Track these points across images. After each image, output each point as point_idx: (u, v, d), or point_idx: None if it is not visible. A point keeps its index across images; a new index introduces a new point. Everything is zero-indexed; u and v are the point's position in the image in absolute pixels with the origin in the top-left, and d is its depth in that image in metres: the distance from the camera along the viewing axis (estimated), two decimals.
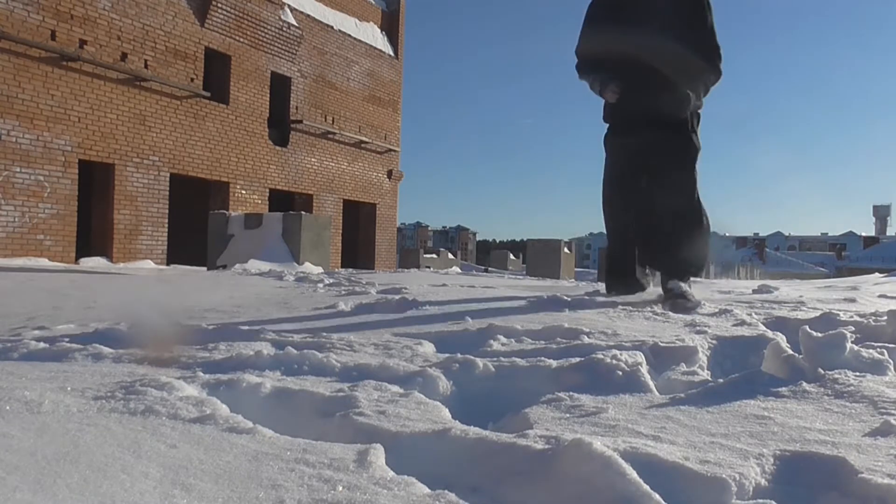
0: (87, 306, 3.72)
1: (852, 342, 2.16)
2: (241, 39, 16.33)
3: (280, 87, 17.83)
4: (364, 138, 20.49)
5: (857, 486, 1.10)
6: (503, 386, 1.82)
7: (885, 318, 2.89)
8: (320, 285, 5.29)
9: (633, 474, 1.05)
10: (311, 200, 18.77)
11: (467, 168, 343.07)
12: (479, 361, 1.90)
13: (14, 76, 11.88)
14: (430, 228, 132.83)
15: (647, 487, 1.03)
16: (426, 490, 1.03)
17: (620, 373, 1.82)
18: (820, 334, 2.18)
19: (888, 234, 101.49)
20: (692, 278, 3.96)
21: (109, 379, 1.63)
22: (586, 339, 2.44)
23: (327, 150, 19.38)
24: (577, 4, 4.36)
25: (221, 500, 0.96)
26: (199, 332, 2.56)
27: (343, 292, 4.62)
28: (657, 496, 1.02)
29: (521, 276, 11.94)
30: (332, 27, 19.26)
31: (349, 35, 19.90)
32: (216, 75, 16.04)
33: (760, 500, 1.08)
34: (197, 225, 13.28)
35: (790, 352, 2.05)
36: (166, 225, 14.63)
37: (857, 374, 1.88)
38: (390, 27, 21.95)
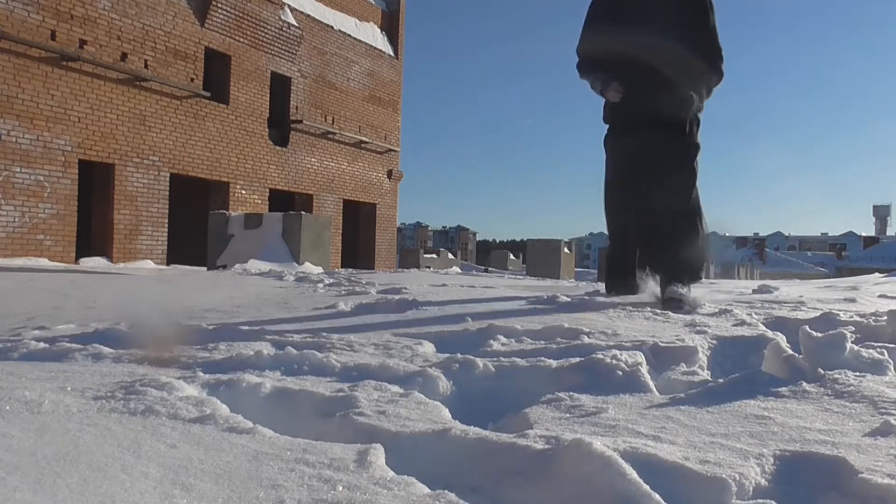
0: (87, 306, 3.72)
1: (852, 342, 2.16)
2: (241, 39, 16.33)
3: (280, 87, 17.83)
4: (364, 138, 20.50)
5: (857, 486, 1.10)
6: (503, 386, 1.82)
7: (885, 318, 2.89)
8: (320, 285, 5.29)
9: (633, 474, 1.06)
10: (311, 200, 18.76)
11: (467, 168, 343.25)
12: (479, 361, 1.90)
13: (14, 76, 11.88)
14: (430, 228, 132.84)
15: (647, 487, 1.03)
16: (426, 490, 1.03)
17: (620, 373, 1.82)
18: (820, 334, 2.18)
19: (888, 234, 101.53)
20: (692, 282, 3.93)
21: (109, 379, 1.63)
22: (586, 339, 2.44)
23: (327, 150, 19.38)
24: (577, 4, 4.36)
25: (221, 500, 0.96)
26: (199, 332, 2.56)
27: (343, 292, 4.62)
28: (657, 496, 1.02)
29: (521, 276, 11.94)
30: (332, 27, 19.26)
31: (349, 35, 19.90)
32: (216, 75, 16.04)
33: (760, 500, 1.08)
34: (197, 225, 13.28)
35: (790, 352, 2.05)
36: (166, 225, 14.63)
37: (857, 374, 1.88)
38: (390, 27, 21.95)
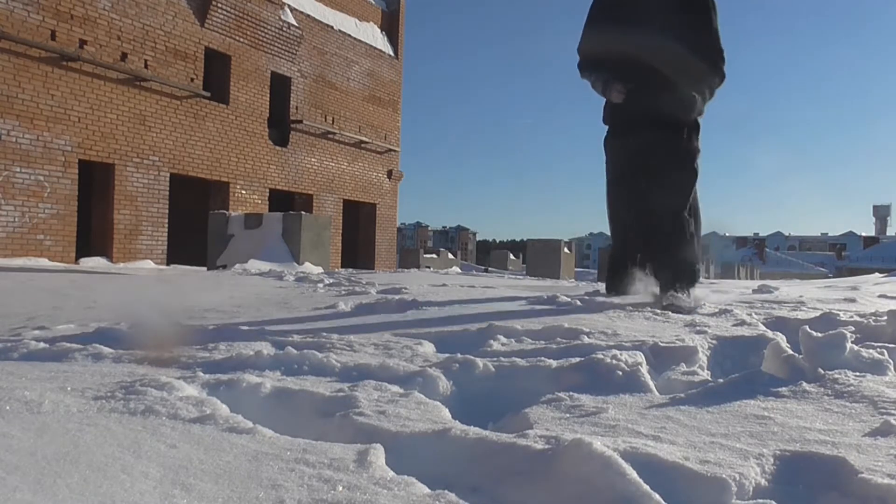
0: (87, 306, 3.72)
1: (852, 342, 2.16)
2: (241, 39, 16.33)
3: (280, 87, 17.83)
4: (364, 138, 20.50)
5: (857, 486, 1.10)
6: (503, 386, 1.82)
7: (885, 318, 2.89)
8: (320, 285, 5.29)
9: (633, 474, 1.05)
10: (311, 200, 18.77)
11: (467, 168, 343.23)
12: (479, 361, 1.90)
13: (14, 76, 11.88)
14: (430, 228, 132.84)
15: (647, 487, 1.03)
16: (426, 490, 1.03)
17: (620, 373, 1.82)
18: (820, 334, 2.18)
19: (888, 234, 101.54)
20: (690, 283, 3.91)
21: (109, 379, 1.63)
22: (586, 339, 2.44)
23: (327, 150, 19.38)
24: (576, 4, 4.35)
25: (221, 500, 0.96)
26: (199, 332, 2.56)
27: (343, 292, 4.62)
28: (657, 496, 1.02)
29: (521, 276, 11.94)
30: (332, 27, 19.26)
31: (349, 35, 19.90)
32: (216, 75, 16.04)
33: (760, 500, 1.08)
34: (197, 225, 13.28)
35: (790, 352, 2.05)
36: (166, 225, 14.63)
37: (857, 374, 1.88)
38: (390, 27, 21.95)
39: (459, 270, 17.11)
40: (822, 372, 1.84)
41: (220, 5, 15.51)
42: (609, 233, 4.36)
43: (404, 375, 1.81)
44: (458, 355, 1.99)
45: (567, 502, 1.06)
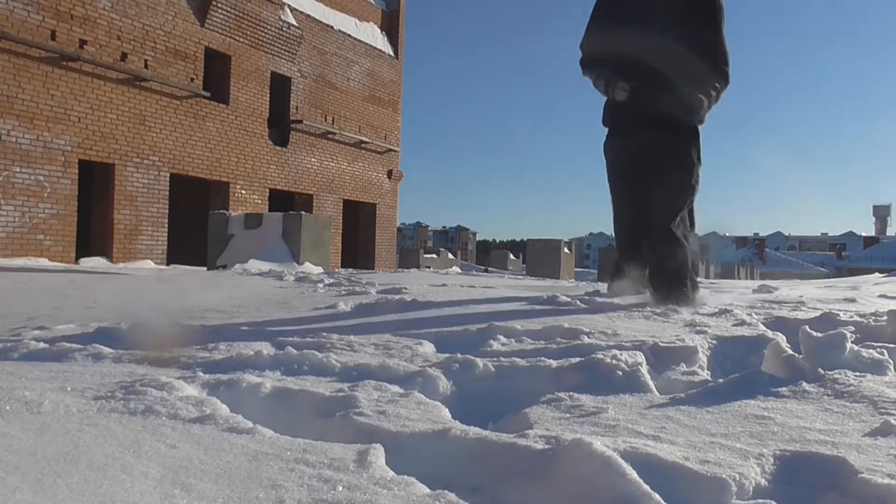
0: (87, 306, 3.72)
1: (852, 342, 2.16)
2: (241, 39, 16.33)
3: (280, 87, 17.83)
4: (364, 138, 20.50)
5: (857, 486, 1.10)
6: (503, 386, 1.82)
7: (885, 318, 2.89)
8: (320, 285, 5.30)
9: (633, 474, 1.05)
10: (311, 200, 18.77)
11: (467, 168, 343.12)
12: (479, 361, 1.90)
13: (14, 76, 11.88)
14: (430, 228, 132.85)
15: (647, 487, 1.03)
16: (426, 490, 1.03)
17: (620, 373, 1.82)
18: (820, 334, 2.18)
19: (888, 234, 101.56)
20: (685, 284, 3.88)
21: (109, 379, 1.63)
22: (586, 339, 2.44)
23: (327, 150, 19.38)
24: (576, 4, 4.36)
25: (221, 500, 0.96)
26: (199, 332, 2.56)
27: (343, 292, 4.62)
28: (657, 496, 1.02)
29: (521, 277, 11.94)
30: (332, 27, 19.26)
31: (349, 35, 19.90)
32: (216, 75, 16.04)
33: (760, 500, 1.08)
34: (197, 225, 13.28)
35: (790, 352, 2.05)
36: (166, 225, 14.63)
37: (857, 374, 1.88)
38: (390, 27, 21.95)
39: (459, 270, 17.11)
40: (822, 372, 1.84)
41: (220, 5, 15.51)
42: (613, 233, 4.37)
43: (404, 375, 1.81)
44: (458, 355, 1.99)
45: (567, 502, 1.06)
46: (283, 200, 18.05)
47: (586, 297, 3.97)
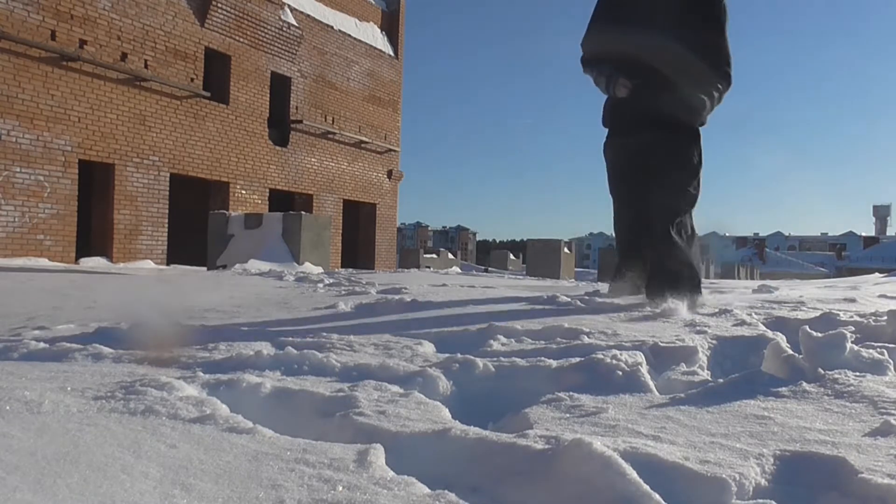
0: (87, 306, 3.72)
1: (852, 342, 2.16)
2: (241, 39, 16.33)
3: (280, 87, 17.83)
4: (364, 138, 20.50)
5: (857, 486, 1.10)
6: (503, 386, 1.82)
7: (885, 318, 2.89)
8: (320, 285, 5.30)
9: (633, 474, 1.05)
10: (311, 200, 18.77)
11: (467, 168, 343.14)
12: (479, 361, 1.90)
13: (14, 76, 11.88)
14: (430, 228, 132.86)
15: (647, 487, 1.03)
16: (426, 490, 1.03)
17: (620, 373, 1.82)
18: (820, 334, 2.18)
19: (888, 234, 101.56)
20: (684, 285, 3.84)
21: (109, 379, 1.63)
22: (586, 339, 2.44)
23: (327, 150, 19.38)
24: (576, 4, 4.36)
25: (221, 500, 0.96)
26: (199, 332, 2.56)
27: (343, 292, 4.62)
28: (657, 496, 1.02)
29: (521, 276, 11.94)
30: (332, 27, 19.26)
31: (349, 35, 19.90)
32: (216, 75, 16.05)
33: (760, 500, 1.08)
34: (197, 225, 13.28)
35: (790, 352, 2.05)
36: (166, 225, 14.63)
37: (857, 374, 1.88)
38: (390, 27, 21.95)
39: (459, 270, 17.11)
40: (822, 372, 1.84)
41: (220, 5, 15.52)
42: (614, 233, 4.36)
43: (404, 375, 1.81)
44: (458, 355, 1.99)
45: (567, 502, 1.06)
46: (283, 200, 18.05)
47: (586, 298, 3.97)
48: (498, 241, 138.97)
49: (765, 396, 1.66)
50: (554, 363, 1.92)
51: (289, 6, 17.46)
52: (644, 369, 1.87)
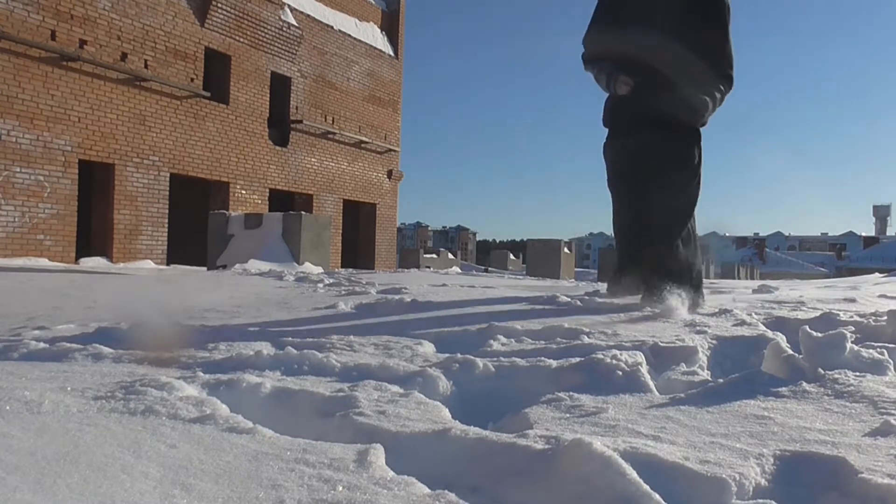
0: (87, 306, 3.72)
1: (852, 342, 2.16)
2: (241, 39, 16.33)
3: (280, 87, 17.83)
4: (364, 138, 20.50)
5: (857, 486, 1.10)
6: (503, 386, 1.82)
7: (885, 318, 2.90)
8: (320, 285, 5.30)
9: (633, 474, 1.06)
10: (311, 200, 18.77)
11: (467, 168, 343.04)
12: (479, 361, 1.90)
13: (14, 76, 11.88)
14: (430, 228, 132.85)
15: (647, 487, 1.03)
16: (426, 490, 1.03)
17: (620, 373, 1.82)
18: (820, 334, 2.18)
19: (888, 234, 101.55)
20: (685, 285, 3.84)
21: (109, 379, 1.63)
22: (586, 339, 2.44)
23: (327, 150, 19.38)
24: (576, 4, 4.35)
25: (221, 500, 0.96)
26: (199, 332, 2.56)
27: (343, 292, 4.62)
28: (657, 496, 1.02)
29: (521, 277, 11.94)
30: (332, 27, 19.26)
31: (349, 35, 19.90)
32: (216, 75, 16.04)
33: (760, 500, 1.08)
34: (197, 225, 13.28)
35: (790, 352, 2.05)
36: (166, 225, 14.63)
37: (857, 374, 1.88)
38: (390, 27, 21.95)
39: (459, 270, 17.12)
40: (822, 372, 1.84)
41: (220, 5, 15.52)
42: (613, 234, 4.36)
43: (404, 375, 1.81)
44: (458, 355, 1.99)
45: (567, 502, 1.06)
46: (283, 200, 18.05)
47: (586, 298, 3.97)
48: (498, 241, 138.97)
49: (765, 396, 1.66)
50: (554, 363, 1.92)
51: (289, 6, 17.46)
52: (644, 369, 1.87)
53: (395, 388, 1.65)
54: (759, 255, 68.89)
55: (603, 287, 4.73)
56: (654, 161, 3.91)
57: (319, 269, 9.14)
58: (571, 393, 1.67)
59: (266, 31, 16.80)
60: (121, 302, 4.18)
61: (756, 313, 3.43)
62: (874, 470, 1.17)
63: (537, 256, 16.95)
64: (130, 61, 13.79)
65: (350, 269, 11.08)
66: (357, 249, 21.09)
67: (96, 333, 2.49)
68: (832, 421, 1.49)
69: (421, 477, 1.07)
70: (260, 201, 17.05)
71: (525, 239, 29.50)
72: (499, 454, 1.19)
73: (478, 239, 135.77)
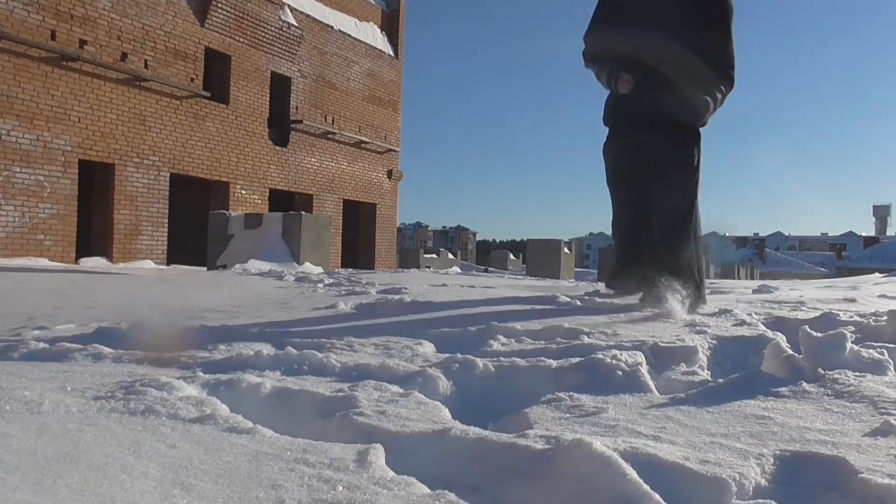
0: (87, 306, 3.72)
1: (852, 342, 2.16)
2: (241, 39, 16.33)
3: (280, 87, 17.83)
4: (364, 138, 20.50)
5: (857, 486, 1.10)
6: (503, 386, 1.82)
7: (885, 318, 2.90)
8: (320, 285, 5.30)
9: (633, 474, 1.06)
10: (311, 200, 18.77)
11: (467, 168, 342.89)
12: (479, 361, 1.90)
13: (14, 76, 11.88)
14: (430, 228, 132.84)
15: (647, 487, 1.03)
16: (426, 490, 1.03)
17: (620, 373, 1.82)
18: (820, 334, 2.18)
19: (888, 234, 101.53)
20: (687, 285, 3.83)
21: (109, 379, 1.63)
22: (586, 339, 2.44)
23: (327, 150, 19.38)
24: (577, 4, 4.35)
25: (221, 500, 0.96)
26: (199, 332, 2.56)
27: (343, 292, 4.62)
28: (657, 496, 1.02)
29: (521, 276, 11.94)
30: (332, 27, 19.26)
31: (349, 35, 19.90)
32: (216, 75, 16.04)
33: (760, 500, 1.08)
34: (197, 225, 13.28)
35: (790, 352, 2.05)
36: (166, 225, 14.63)
37: (857, 374, 1.88)
38: (390, 27, 21.95)
39: (459, 270, 17.12)
40: (822, 372, 1.84)
41: (220, 5, 15.51)
42: (612, 234, 4.35)
43: (404, 375, 1.81)
44: (458, 355, 1.99)
45: (567, 502, 1.06)
46: (283, 200, 18.05)
47: (586, 298, 3.97)
48: (498, 241, 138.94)
49: (765, 396, 1.66)
50: (554, 363, 1.92)
51: (289, 6, 17.46)
52: (644, 369, 1.87)
53: (395, 388, 1.65)
54: (759, 255, 68.89)
55: (603, 287, 4.73)
56: (654, 161, 3.91)
57: (319, 269, 9.14)
58: (571, 393, 1.67)
59: (266, 31, 16.80)
60: (121, 302, 4.18)
61: (756, 313, 3.43)
62: (874, 470, 1.17)
63: (537, 256, 16.95)
64: (130, 61, 13.79)
65: (350, 269, 11.08)
66: (357, 249, 21.09)
67: (96, 333, 2.49)
68: (832, 421, 1.49)
69: (421, 477, 1.07)
70: (260, 201, 17.05)
71: (525, 239, 29.50)
72: (499, 454, 1.19)
73: (478, 239, 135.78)
